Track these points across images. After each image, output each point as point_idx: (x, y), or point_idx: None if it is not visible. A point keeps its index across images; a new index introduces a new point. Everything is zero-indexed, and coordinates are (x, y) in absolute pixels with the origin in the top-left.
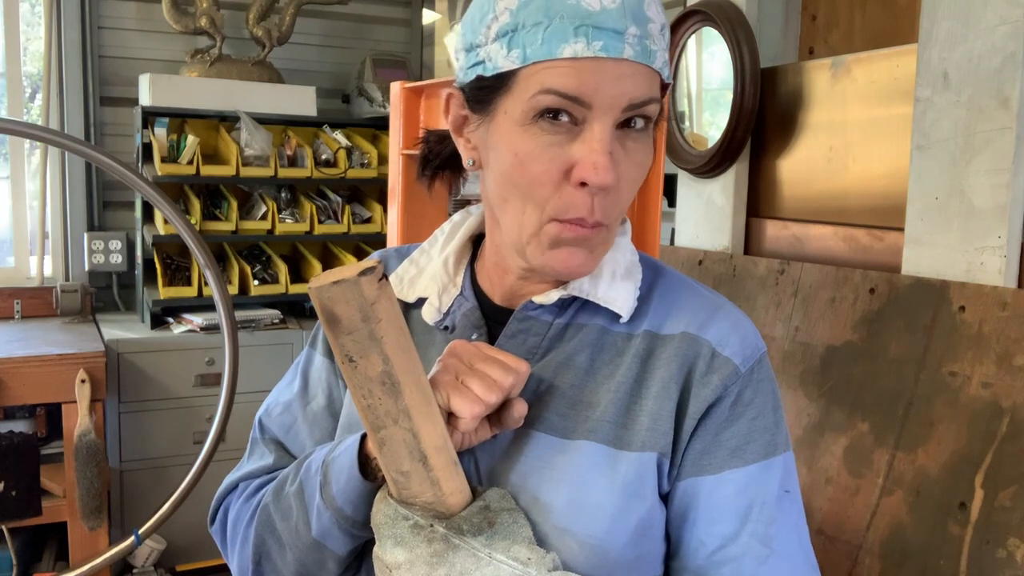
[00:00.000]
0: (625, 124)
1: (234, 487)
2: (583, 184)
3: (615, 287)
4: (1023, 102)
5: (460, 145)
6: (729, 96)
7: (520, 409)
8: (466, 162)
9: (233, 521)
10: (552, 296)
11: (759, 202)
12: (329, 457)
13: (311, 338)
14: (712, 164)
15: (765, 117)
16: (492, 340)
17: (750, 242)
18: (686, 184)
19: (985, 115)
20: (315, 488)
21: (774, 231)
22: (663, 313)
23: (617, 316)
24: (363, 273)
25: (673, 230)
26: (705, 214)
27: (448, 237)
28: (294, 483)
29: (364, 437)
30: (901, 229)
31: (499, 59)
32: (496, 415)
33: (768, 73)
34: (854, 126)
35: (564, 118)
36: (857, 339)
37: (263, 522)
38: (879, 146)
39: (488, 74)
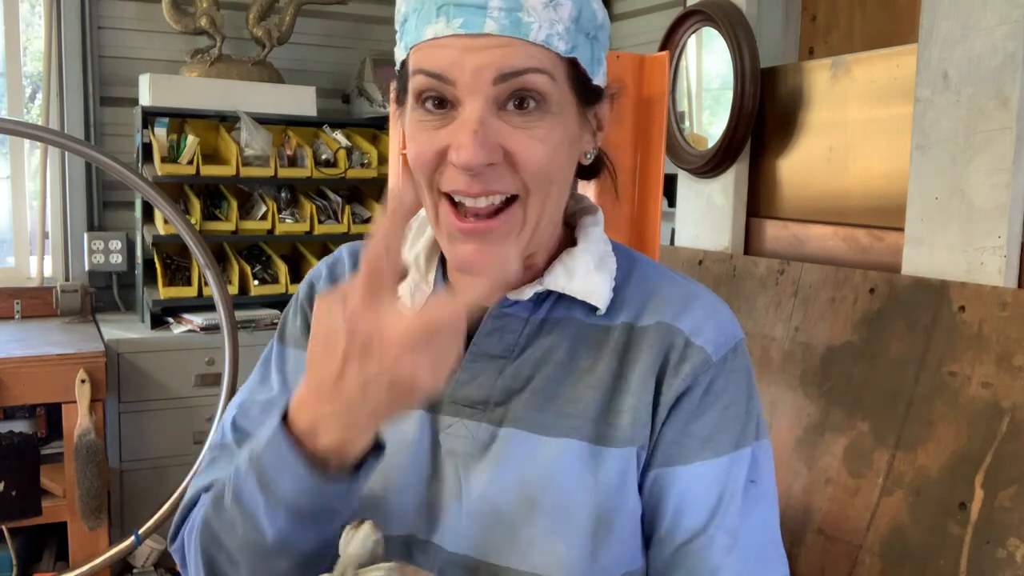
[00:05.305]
0: (518, 106)
1: (196, 502)
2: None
3: (591, 279)
4: (1023, 102)
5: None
6: (729, 96)
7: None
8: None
9: (186, 539)
10: (526, 292)
11: (759, 202)
12: (255, 454)
13: (278, 334)
14: (712, 164)
15: (765, 117)
16: (467, 339)
17: (750, 242)
18: (686, 184)
19: (985, 115)
20: (254, 493)
21: (774, 231)
22: (640, 303)
23: (594, 308)
24: None
25: (673, 230)
26: (705, 214)
27: (417, 233)
28: (230, 492)
29: (284, 417)
30: (901, 229)
31: (398, 52)
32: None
33: (768, 73)
34: (854, 126)
35: (442, 106)
36: (857, 339)
37: (208, 540)
38: (879, 146)
39: (397, 69)
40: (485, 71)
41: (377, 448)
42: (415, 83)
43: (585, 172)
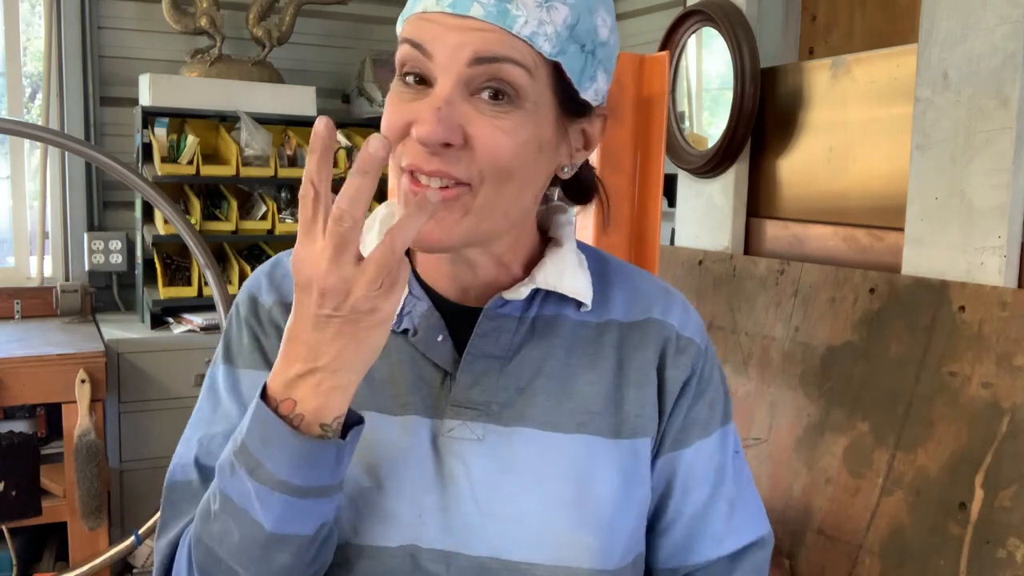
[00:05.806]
0: (492, 96)
1: (173, 552)
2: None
3: (578, 277)
4: (1023, 102)
5: None
6: (729, 96)
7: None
8: None
9: None
10: (522, 292)
11: (759, 202)
12: (238, 444)
13: (224, 355)
14: (712, 164)
15: (765, 117)
16: (457, 340)
17: (750, 242)
18: (686, 184)
19: (985, 115)
20: (244, 484)
21: (774, 231)
22: (625, 300)
23: (579, 305)
24: None
25: (673, 230)
26: (705, 214)
27: (383, 223)
28: (217, 500)
29: (263, 393)
30: (901, 229)
31: (398, 27)
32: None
33: (768, 73)
34: (854, 126)
35: (421, 82)
36: (857, 339)
37: (203, 559)
38: (879, 146)
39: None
40: (462, 51)
41: (358, 422)
42: (400, 52)
43: (577, 197)
